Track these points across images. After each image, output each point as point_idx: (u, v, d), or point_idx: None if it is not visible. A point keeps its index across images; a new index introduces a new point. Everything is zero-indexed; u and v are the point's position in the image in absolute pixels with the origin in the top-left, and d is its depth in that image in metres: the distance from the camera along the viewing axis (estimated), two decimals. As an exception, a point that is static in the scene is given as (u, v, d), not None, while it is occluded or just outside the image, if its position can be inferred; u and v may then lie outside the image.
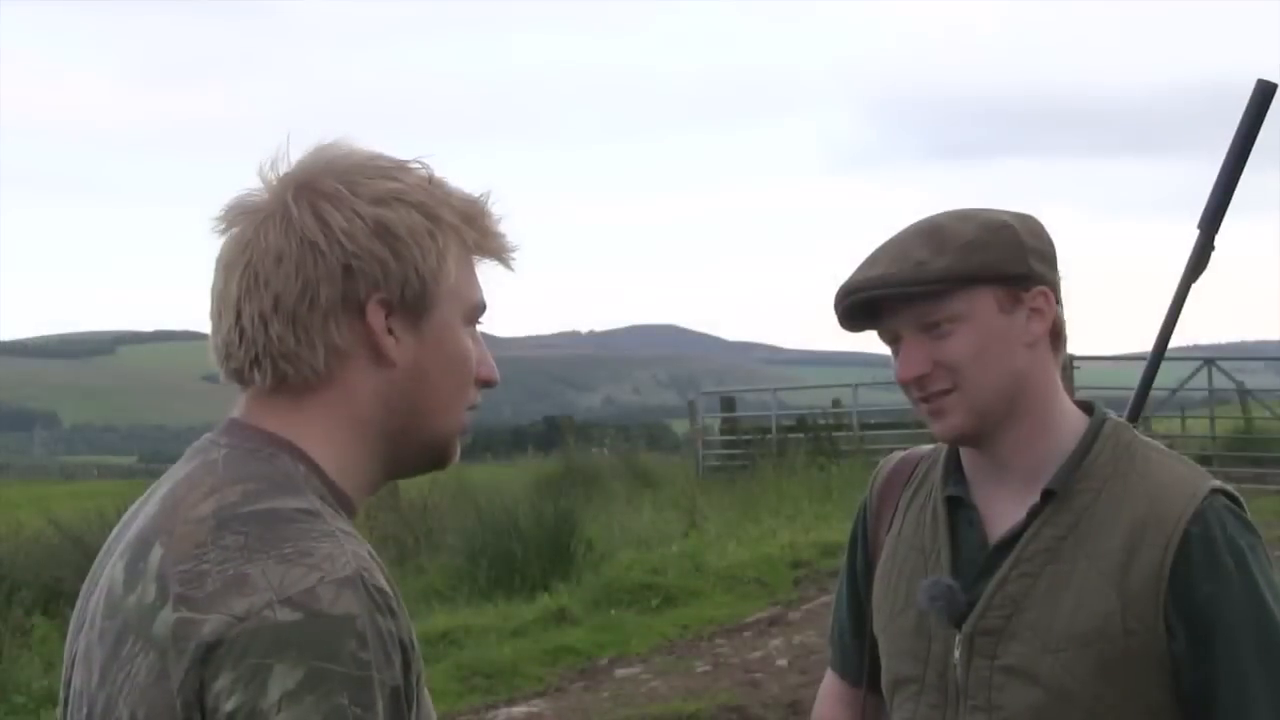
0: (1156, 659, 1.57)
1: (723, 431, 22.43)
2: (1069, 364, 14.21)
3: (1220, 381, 18.48)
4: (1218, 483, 1.62)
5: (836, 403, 23.17)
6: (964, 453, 1.74)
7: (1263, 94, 2.01)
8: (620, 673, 8.10)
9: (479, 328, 1.36)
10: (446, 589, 10.71)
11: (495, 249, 1.34)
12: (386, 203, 1.26)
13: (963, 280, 1.61)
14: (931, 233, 1.64)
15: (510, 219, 1.34)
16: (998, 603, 1.63)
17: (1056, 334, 1.68)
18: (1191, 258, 2.02)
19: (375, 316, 1.25)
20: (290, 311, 1.24)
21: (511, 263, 1.36)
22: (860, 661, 1.88)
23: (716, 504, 14.52)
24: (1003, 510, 1.68)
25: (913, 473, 1.82)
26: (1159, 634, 1.57)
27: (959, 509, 1.72)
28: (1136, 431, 1.71)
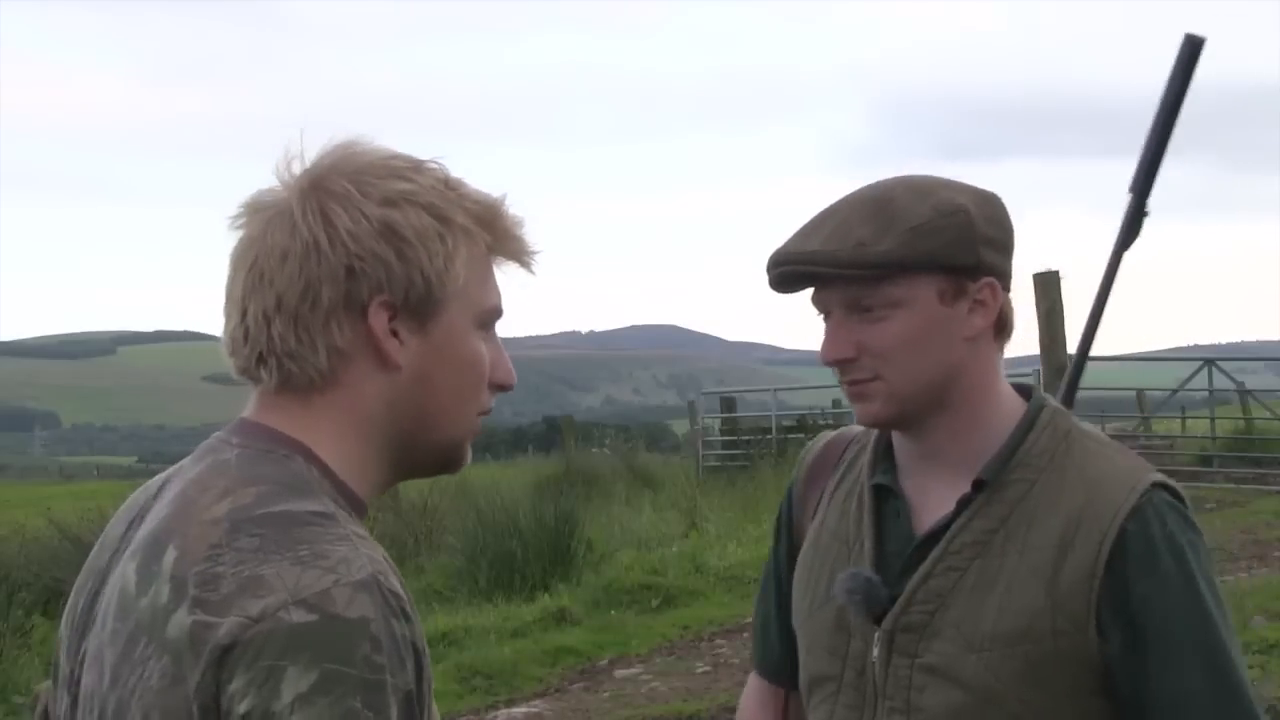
0: (1087, 662, 1.48)
1: (723, 431, 22.40)
2: (1069, 363, 14.16)
3: (1220, 381, 18.44)
4: (1159, 476, 1.53)
5: (836, 403, 23.08)
6: (896, 439, 1.64)
7: (1191, 49, 1.91)
8: (620, 673, 8.09)
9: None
10: (446, 589, 10.70)
11: (513, 251, 1.32)
12: (395, 204, 1.24)
13: (903, 267, 1.51)
14: (879, 207, 1.53)
15: (529, 221, 1.32)
16: (920, 598, 1.54)
17: (1002, 325, 1.59)
18: (1124, 223, 1.93)
19: (378, 319, 1.24)
20: (292, 311, 1.23)
21: (532, 265, 1.34)
22: (784, 659, 1.76)
23: (716, 504, 14.49)
24: (933, 501, 1.58)
25: (841, 456, 1.72)
26: (1090, 636, 1.48)
27: (887, 498, 1.62)
28: (1075, 419, 1.62)
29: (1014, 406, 1.60)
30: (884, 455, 1.65)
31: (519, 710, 7.34)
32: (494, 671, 8.09)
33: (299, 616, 1.10)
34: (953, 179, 1.59)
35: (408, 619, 1.15)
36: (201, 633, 1.12)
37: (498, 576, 10.55)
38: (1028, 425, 1.57)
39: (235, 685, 1.10)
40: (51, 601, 9.51)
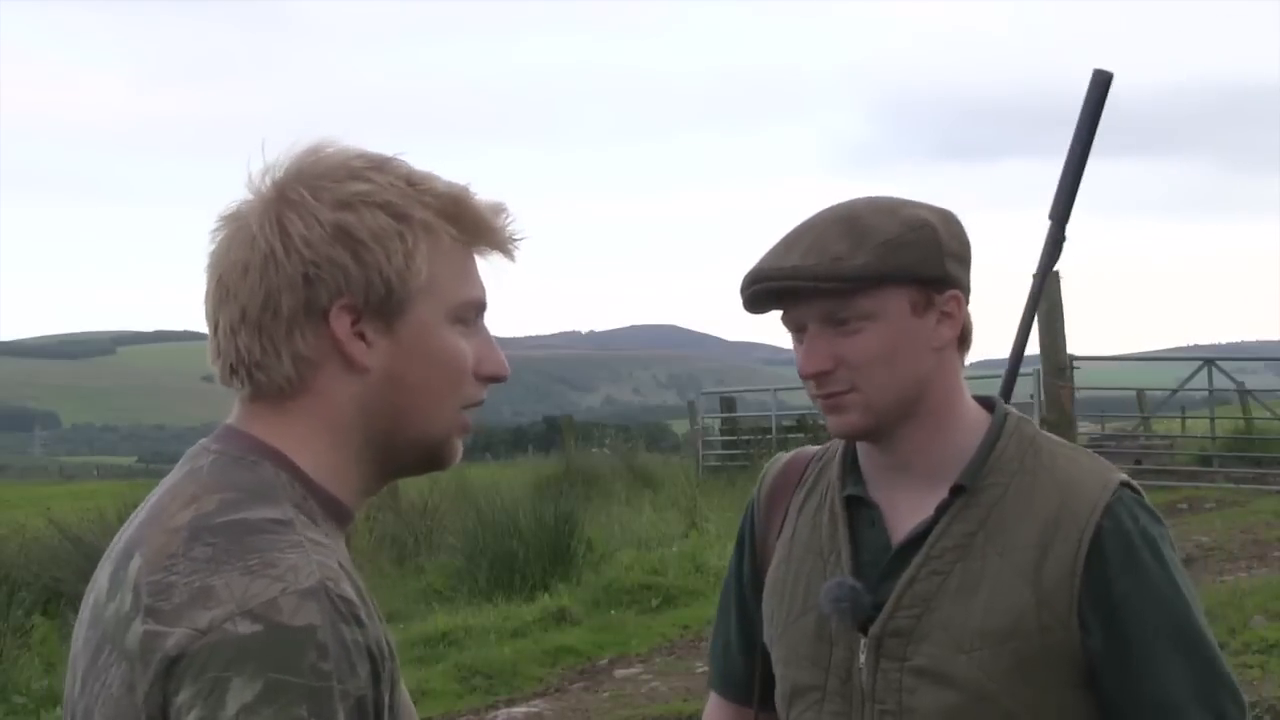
0: (1071, 655, 1.54)
1: (723, 431, 22.39)
2: (1069, 364, 14.16)
3: (1220, 381, 18.44)
4: (1124, 475, 1.60)
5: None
6: (862, 452, 1.69)
7: (1101, 84, 2.00)
8: (620, 673, 8.10)
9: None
10: (446, 589, 10.71)
11: (489, 241, 1.31)
12: (350, 206, 1.24)
13: (878, 279, 1.56)
14: (850, 224, 1.58)
15: (509, 208, 1.31)
16: (907, 602, 1.58)
17: (964, 337, 1.65)
18: (1045, 249, 2.01)
19: (339, 323, 1.24)
20: (255, 322, 1.24)
21: (512, 253, 1.33)
22: (749, 678, 1.79)
23: (716, 504, 14.49)
24: (906, 509, 1.63)
25: (803, 474, 1.76)
26: (1073, 630, 1.53)
27: (860, 509, 1.66)
28: (1037, 426, 1.68)
29: (978, 416, 1.66)
30: (852, 469, 1.69)
31: (519, 710, 7.35)
32: (494, 671, 8.10)
33: (245, 628, 1.10)
34: (911, 198, 1.66)
35: (360, 624, 1.15)
36: (152, 642, 1.13)
37: (498, 576, 10.55)
38: (996, 433, 1.63)
39: (182, 697, 1.10)
40: (51, 601, 9.52)
